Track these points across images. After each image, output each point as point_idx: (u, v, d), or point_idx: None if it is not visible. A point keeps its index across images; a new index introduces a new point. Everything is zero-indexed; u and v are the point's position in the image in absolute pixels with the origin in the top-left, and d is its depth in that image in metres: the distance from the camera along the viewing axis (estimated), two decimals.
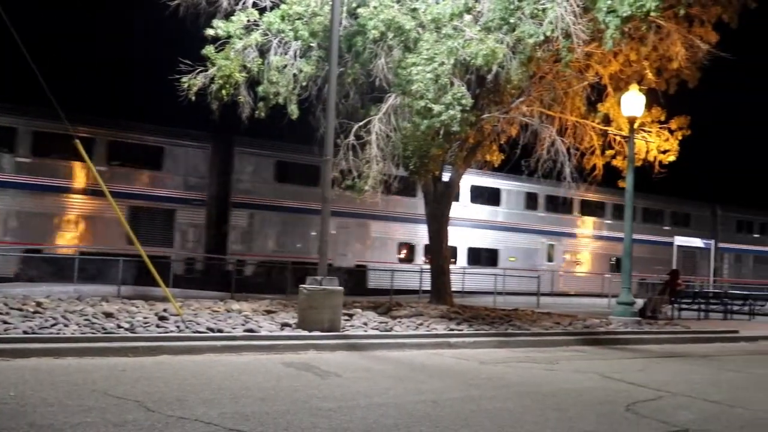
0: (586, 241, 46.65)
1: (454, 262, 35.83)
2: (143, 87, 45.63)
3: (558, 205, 44.88)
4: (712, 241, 48.01)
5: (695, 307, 27.83)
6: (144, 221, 30.59)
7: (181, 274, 29.94)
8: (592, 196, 43.50)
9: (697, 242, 48.16)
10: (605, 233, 46.75)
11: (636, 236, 44.84)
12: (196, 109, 19.77)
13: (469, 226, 40.08)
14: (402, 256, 38.68)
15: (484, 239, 41.84)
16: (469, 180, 38.12)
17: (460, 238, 39.10)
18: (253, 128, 21.11)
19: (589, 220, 46.82)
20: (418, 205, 33.84)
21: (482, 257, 41.96)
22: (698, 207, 51.40)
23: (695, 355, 16.51)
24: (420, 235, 37.03)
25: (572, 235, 46.28)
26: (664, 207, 48.40)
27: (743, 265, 51.97)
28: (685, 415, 9.08)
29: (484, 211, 41.86)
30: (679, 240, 46.54)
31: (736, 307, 29.32)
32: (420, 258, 38.28)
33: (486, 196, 42.16)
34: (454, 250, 38.59)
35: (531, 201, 43.73)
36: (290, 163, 35.15)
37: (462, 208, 37.96)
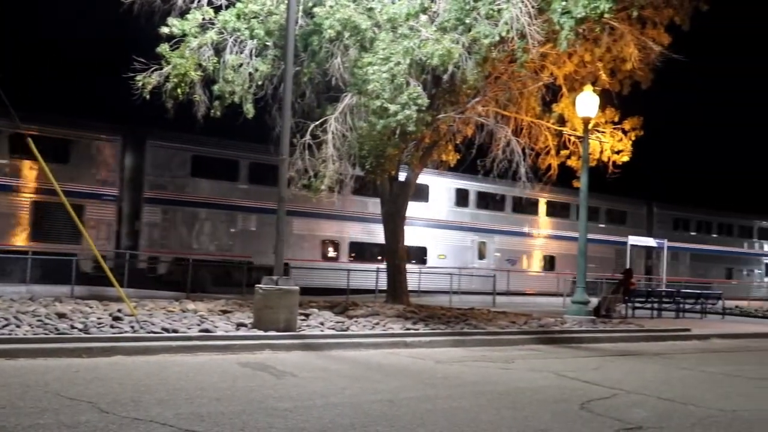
0: (520, 239, 45.70)
1: (381, 260, 35.33)
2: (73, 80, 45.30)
3: (490, 202, 44.03)
4: (665, 241, 48.36)
5: (648, 305, 28.11)
6: (49, 217, 29.45)
7: (90, 272, 28.35)
8: (526, 193, 41.90)
9: (650, 242, 48.53)
10: (542, 231, 46.20)
11: (568, 233, 45.15)
12: (111, 101, 19.21)
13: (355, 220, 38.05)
14: (326, 253, 37.67)
15: (412, 236, 39.81)
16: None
17: (342, 233, 38.09)
18: (169, 120, 20.62)
19: (523, 218, 45.65)
20: (346, 202, 33.30)
21: (410, 254, 40.26)
22: (634, 204, 50.94)
23: (648, 353, 16.70)
24: (346, 232, 36.68)
25: (506, 233, 44.90)
26: (599, 204, 47.30)
27: (680, 263, 51.83)
28: (638, 413, 9.17)
29: (411, 208, 39.89)
30: (633, 240, 46.82)
31: (688, 306, 29.69)
32: (344, 256, 37.39)
33: (415, 193, 41.04)
34: (381, 247, 38.45)
35: (461, 198, 42.77)
36: (208, 158, 34.05)
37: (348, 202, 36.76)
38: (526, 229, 45.72)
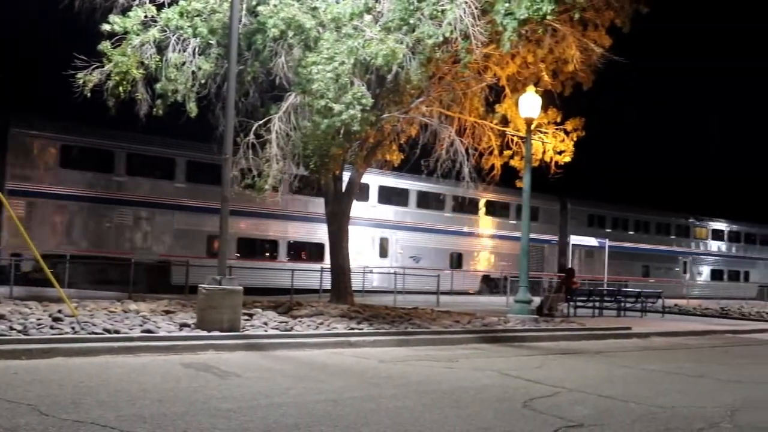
0: (426, 236, 43.69)
1: (274, 257, 34.71)
2: None
3: (393, 197, 42.07)
4: (606, 240, 48.64)
5: (590, 304, 28.42)
6: None
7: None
8: (432, 188, 41.08)
9: (592, 241, 48.77)
10: (449, 227, 44.27)
11: (478, 230, 45.05)
12: None
13: (292, 218, 37.08)
14: (212, 250, 34.66)
15: (310, 233, 38.16)
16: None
17: (282, 232, 37.25)
18: (40, 107, 19.93)
19: (430, 214, 43.60)
20: (239, 196, 32.71)
21: (308, 251, 38.91)
22: (547, 201, 49.00)
23: (590, 351, 16.88)
24: (236, 228, 34.55)
25: (410, 229, 42.63)
26: (509, 200, 46.00)
27: (595, 260, 50.49)
28: (580, 411, 9.28)
29: (308, 203, 37.02)
30: (575, 239, 47.00)
31: (629, 304, 30.09)
32: (234, 253, 34.81)
33: (312, 186, 37.91)
34: (274, 243, 37.54)
35: (361, 191, 38.51)
36: (80, 147, 32.24)
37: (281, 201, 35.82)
38: (431, 225, 43.69)
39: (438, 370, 12.51)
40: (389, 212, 41.78)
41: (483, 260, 46.26)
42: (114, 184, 32.79)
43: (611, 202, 55.12)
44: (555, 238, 50.31)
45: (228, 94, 15.96)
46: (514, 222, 46.41)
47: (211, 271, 30.26)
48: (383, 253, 41.56)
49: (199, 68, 19.15)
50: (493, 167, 25.52)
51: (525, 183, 22.00)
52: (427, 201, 43.61)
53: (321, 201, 24.81)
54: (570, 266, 35.04)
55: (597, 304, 28.73)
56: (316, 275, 31.46)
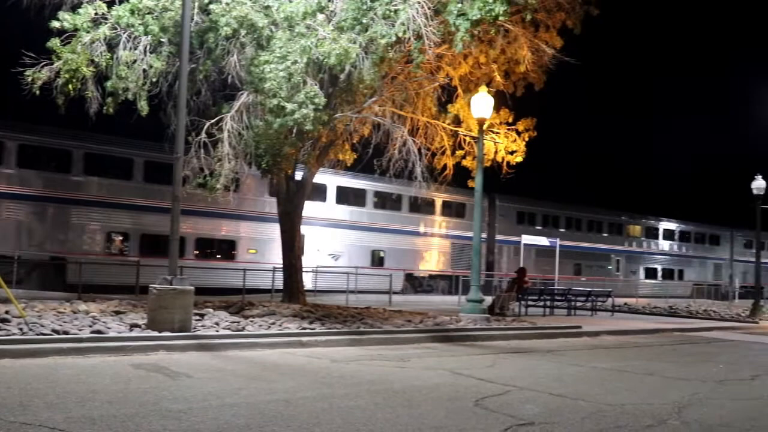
0: (345, 233, 42.23)
1: (190, 257, 33.87)
2: None
3: (312, 193, 38.51)
4: (557, 240, 48.89)
5: (541, 303, 28.63)
6: None
7: None
8: (351, 183, 40.53)
9: (543, 241, 49.01)
10: (370, 224, 43.04)
11: (402, 227, 44.20)
12: None
13: (199, 215, 34.79)
14: (111, 248, 34.38)
15: (217, 229, 37.20)
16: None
17: (189, 228, 34.79)
18: None
19: (350, 210, 42.15)
20: (142, 189, 32.53)
21: (218, 249, 37.86)
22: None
23: (541, 350, 17.01)
24: (142, 223, 33.97)
25: (326, 225, 40.83)
26: (437, 196, 44.69)
27: (525, 258, 48.91)
28: (530, 409, 9.35)
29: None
30: (526, 239, 47.16)
31: (579, 303, 30.37)
32: (135, 251, 34.01)
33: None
34: (182, 240, 34.62)
35: (273, 186, 36.50)
36: None
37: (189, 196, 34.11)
38: (351, 222, 42.38)
39: (390, 370, 12.53)
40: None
41: (407, 258, 44.84)
42: (3, 177, 31.40)
43: (540, 198, 54.27)
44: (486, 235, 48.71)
45: (180, 93, 15.84)
46: (440, 219, 45.97)
47: (110, 269, 30.31)
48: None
49: (151, 66, 18.99)
50: (445, 167, 25.66)
51: (477, 183, 22.10)
52: (346, 197, 42.37)
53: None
54: (521, 266, 35.23)
55: (548, 303, 28.93)
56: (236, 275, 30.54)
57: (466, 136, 24.94)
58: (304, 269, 24.70)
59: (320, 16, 18.53)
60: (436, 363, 13.66)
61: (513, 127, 25.13)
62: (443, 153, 25.37)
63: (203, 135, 19.11)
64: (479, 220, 22.15)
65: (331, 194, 41.38)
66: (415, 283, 44.39)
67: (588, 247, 56.34)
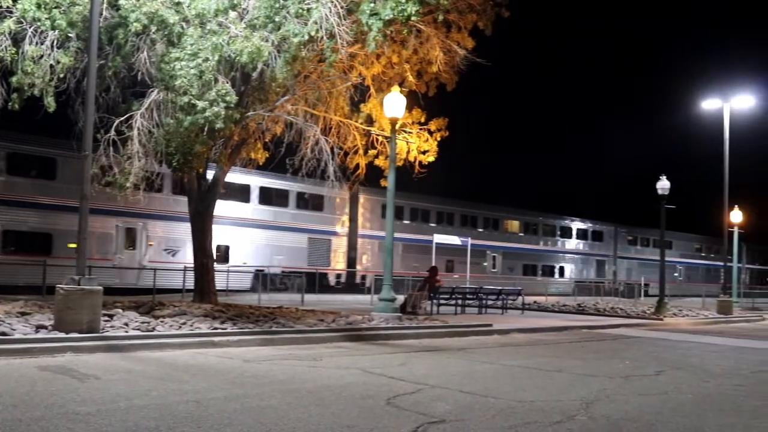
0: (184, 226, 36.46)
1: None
2: None
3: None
4: (468, 239, 49.07)
5: (453, 302, 28.85)
6: None
7: None
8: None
9: (454, 239, 49.19)
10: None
11: (252, 220, 41.39)
12: None
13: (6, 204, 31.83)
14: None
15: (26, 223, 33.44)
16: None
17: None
18: None
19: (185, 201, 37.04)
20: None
21: (31, 243, 33.32)
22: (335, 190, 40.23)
23: (452, 348, 17.16)
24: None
25: (166, 218, 36.99)
26: (289, 187, 42.65)
27: (394, 254, 47.12)
28: (442, 407, 9.43)
29: (29, 186, 32.71)
30: (438, 238, 47.23)
31: (490, 302, 30.71)
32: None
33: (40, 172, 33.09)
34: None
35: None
36: None
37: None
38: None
39: (302, 369, 12.51)
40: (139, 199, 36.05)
41: (258, 254, 41.65)
42: None
43: (411, 192, 48.43)
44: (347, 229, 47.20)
45: (88, 89, 15.52)
46: (294, 212, 43.59)
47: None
48: (130, 244, 36.52)
49: (58, 62, 18.58)
50: (358, 166, 25.71)
51: (389, 182, 22.17)
52: (182, 187, 39.76)
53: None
54: (433, 264, 35.49)
55: (459, 301, 29.17)
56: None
57: (378, 135, 25.03)
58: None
59: (232, 14, 18.40)
60: (349, 362, 13.69)
61: (425, 127, 25.32)
62: (356, 152, 25.42)
63: (112, 132, 18.78)
64: (391, 220, 22.20)
65: (168, 185, 36.69)
66: (265, 281, 38.81)
67: (462, 243, 52.17)
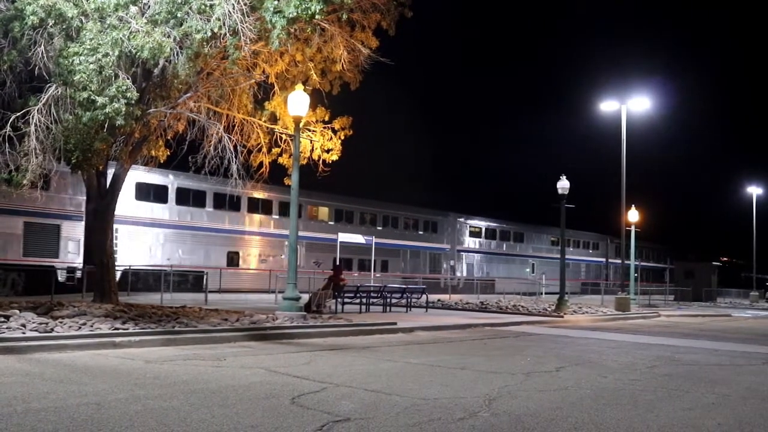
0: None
1: None
2: None
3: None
4: (372, 237, 49.24)
5: (357, 300, 28.89)
6: None
7: None
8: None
9: (359, 238, 49.30)
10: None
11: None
12: None
13: None
14: None
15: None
16: None
17: None
18: None
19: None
20: None
21: None
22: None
23: (357, 347, 17.19)
24: None
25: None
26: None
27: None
28: (347, 405, 9.44)
29: None
30: (343, 236, 47.28)
31: (395, 300, 30.86)
32: None
33: None
34: None
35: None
36: None
37: None
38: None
39: (205, 369, 12.38)
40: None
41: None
42: None
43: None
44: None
45: None
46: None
47: None
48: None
49: None
50: (261, 165, 25.57)
51: (293, 181, 22.10)
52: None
53: None
54: (338, 263, 35.49)
55: (364, 300, 29.23)
56: None
57: (282, 133, 24.95)
58: None
59: (133, 9, 18.09)
60: (253, 362, 13.60)
61: (329, 125, 25.33)
62: (260, 150, 25.30)
63: (8, 128, 18.28)
64: (295, 218, 22.12)
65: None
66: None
67: (248, 231, 47.78)
